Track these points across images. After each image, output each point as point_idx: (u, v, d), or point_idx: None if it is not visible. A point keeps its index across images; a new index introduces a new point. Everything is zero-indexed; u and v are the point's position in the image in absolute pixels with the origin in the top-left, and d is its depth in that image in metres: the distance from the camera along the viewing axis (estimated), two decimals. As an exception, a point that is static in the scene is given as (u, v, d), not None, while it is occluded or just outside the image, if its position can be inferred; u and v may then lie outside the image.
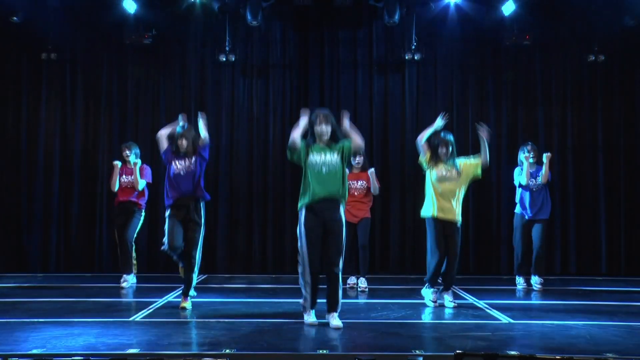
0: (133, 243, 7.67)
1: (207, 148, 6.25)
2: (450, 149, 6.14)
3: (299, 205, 5.25)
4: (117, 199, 7.71)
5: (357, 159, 7.30)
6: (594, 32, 8.90)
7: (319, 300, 5.29)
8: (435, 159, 6.18)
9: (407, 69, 9.23)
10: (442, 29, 9.08)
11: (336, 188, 5.16)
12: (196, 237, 6.06)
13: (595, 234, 9.03)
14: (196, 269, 6.10)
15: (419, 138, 6.26)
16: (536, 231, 7.50)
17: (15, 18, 8.41)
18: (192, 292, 6.19)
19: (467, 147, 8.65)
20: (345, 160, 5.27)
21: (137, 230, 7.73)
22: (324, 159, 5.19)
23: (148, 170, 7.75)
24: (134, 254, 7.74)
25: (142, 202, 7.75)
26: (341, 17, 9.11)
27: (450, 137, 6.21)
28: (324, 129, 5.24)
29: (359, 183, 7.32)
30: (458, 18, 8.73)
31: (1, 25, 8.59)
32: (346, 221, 5.36)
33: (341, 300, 5.24)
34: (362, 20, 9.23)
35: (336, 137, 5.30)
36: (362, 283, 7.30)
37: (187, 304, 6.01)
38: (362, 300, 6.70)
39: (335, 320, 5.11)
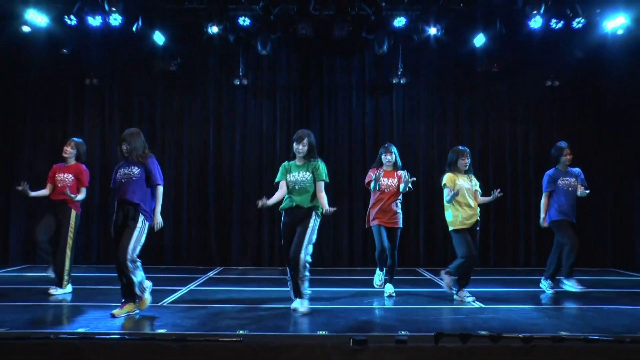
0: (69, 250, 6.14)
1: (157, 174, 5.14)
2: (469, 159, 5.88)
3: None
4: (51, 196, 6.27)
5: (387, 156, 6.28)
6: (550, 62, 9.01)
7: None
8: (454, 172, 5.85)
9: (394, 92, 9.28)
10: (424, 57, 9.15)
11: (306, 202, 5.21)
12: (128, 237, 4.82)
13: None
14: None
15: (446, 201, 5.80)
16: None
17: (64, 50, 8.48)
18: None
19: (445, 159, 8.58)
20: (317, 178, 5.21)
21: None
22: (296, 178, 5.24)
23: (86, 174, 6.33)
24: (67, 266, 6.06)
25: (77, 201, 6.22)
26: (338, 47, 9.14)
27: (467, 149, 5.97)
28: (297, 148, 5.24)
29: (390, 180, 6.19)
30: (437, 48, 8.74)
31: (52, 56, 8.66)
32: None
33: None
34: (355, 50, 9.27)
35: (314, 154, 5.28)
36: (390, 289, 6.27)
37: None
38: (354, 289, 6.72)
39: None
